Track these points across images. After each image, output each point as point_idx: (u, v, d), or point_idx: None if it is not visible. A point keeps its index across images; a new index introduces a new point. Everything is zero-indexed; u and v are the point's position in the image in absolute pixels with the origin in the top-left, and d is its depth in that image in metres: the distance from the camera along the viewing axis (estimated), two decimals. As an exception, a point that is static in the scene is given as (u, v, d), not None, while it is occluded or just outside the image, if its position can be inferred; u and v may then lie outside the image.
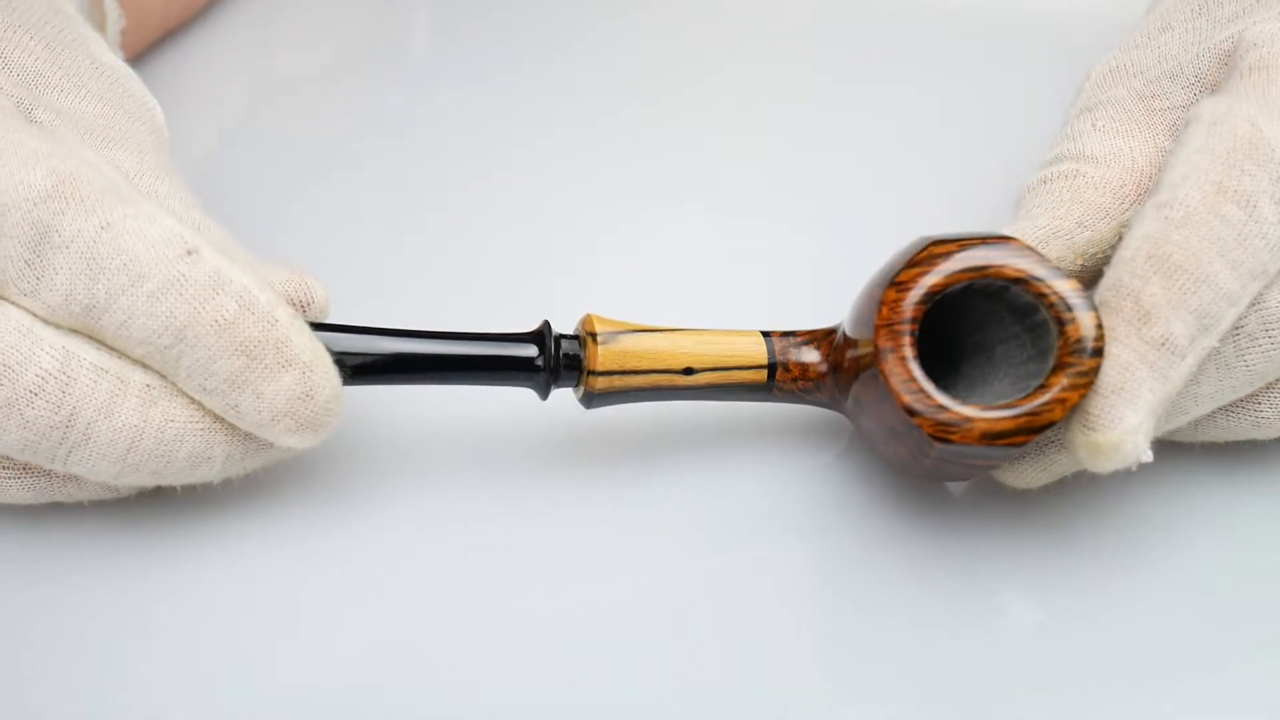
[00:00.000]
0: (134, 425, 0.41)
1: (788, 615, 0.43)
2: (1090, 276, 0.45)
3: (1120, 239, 0.44)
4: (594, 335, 0.43)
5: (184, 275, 0.40)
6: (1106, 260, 0.44)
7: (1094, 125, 0.46)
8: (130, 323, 0.40)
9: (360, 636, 0.42)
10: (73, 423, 0.40)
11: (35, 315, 0.41)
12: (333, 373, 0.41)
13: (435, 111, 0.57)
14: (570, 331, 0.45)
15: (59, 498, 0.43)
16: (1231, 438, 0.44)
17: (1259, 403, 0.43)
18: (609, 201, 0.54)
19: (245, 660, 0.42)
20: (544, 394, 0.44)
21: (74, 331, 0.41)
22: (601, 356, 0.43)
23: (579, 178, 0.55)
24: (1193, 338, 0.40)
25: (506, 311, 0.50)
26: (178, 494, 0.44)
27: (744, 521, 0.45)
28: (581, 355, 0.43)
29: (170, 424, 0.41)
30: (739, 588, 0.43)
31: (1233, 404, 0.43)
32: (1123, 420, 0.40)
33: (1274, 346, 0.41)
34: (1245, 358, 0.41)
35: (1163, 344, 0.40)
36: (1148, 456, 0.40)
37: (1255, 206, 0.40)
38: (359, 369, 0.42)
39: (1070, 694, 0.41)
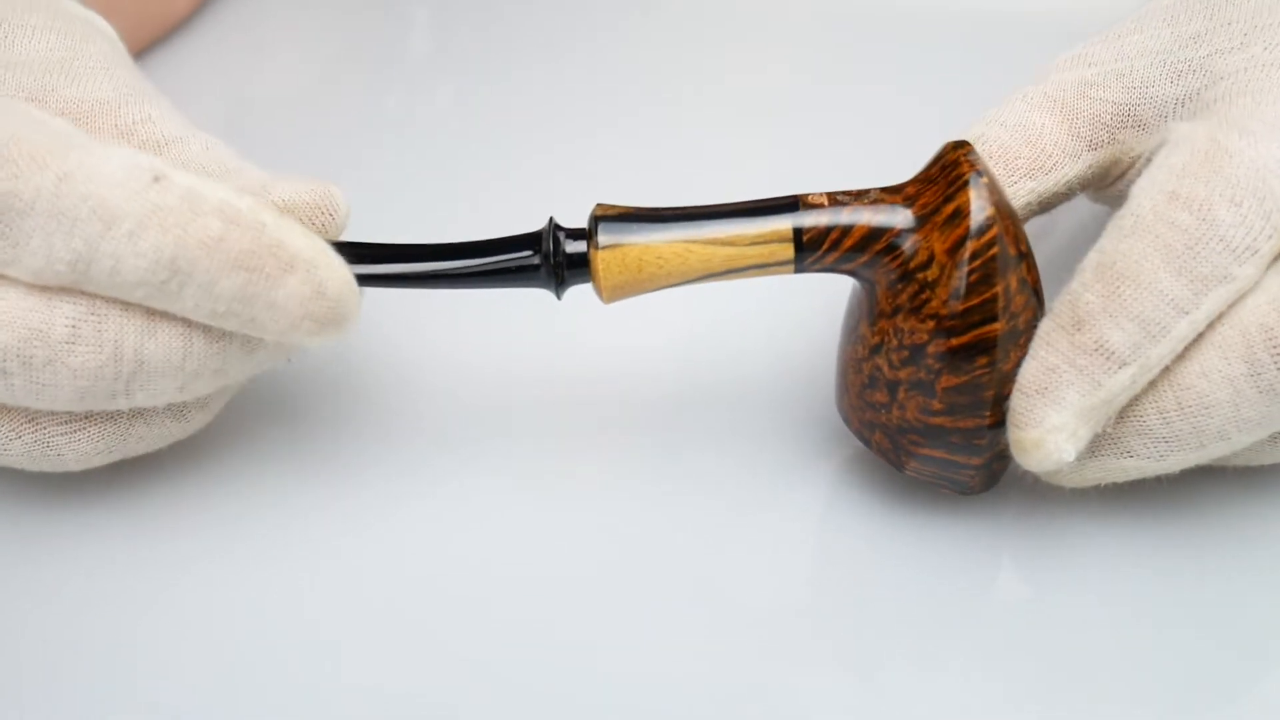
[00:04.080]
0: (181, 333, 0.40)
1: (786, 586, 0.44)
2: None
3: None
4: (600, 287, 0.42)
5: (157, 204, 0.39)
6: None
7: (1024, 97, 0.46)
8: (119, 267, 0.39)
9: (374, 610, 0.43)
10: (120, 355, 0.40)
11: (29, 284, 0.40)
12: (338, 263, 0.40)
13: (433, 113, 0.57)
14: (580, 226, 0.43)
15: (131, 445, 0.43)
16: (1266, 461, 0.43)
17: None
18: (610, 201, 0.54)
19: (254, 644, 0.42)
20: (557, 294, 0.43)
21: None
22: (606, 294, 0.42)
23: (579, 178, 0.55)
24: (1136, 345, 0.40)
25: (505, 310, 0.50)
26: (185, 472, 0.44)
27: (746, 493, 0.45)
28: (588, 255, 0.42)
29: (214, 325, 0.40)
30: (741, 558, 0.44)
31: None
32: (1044, 420, 0.40)
33: None
34: None
35: (1095, 349, 0.40)
36: (1069, 456, 0.40)
37: (1209, 211, 0.40)
38: (364, 280, 0.42)
39: (1052, 666, 0.42)
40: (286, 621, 0.42)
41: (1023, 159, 0.45)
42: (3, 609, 0.43)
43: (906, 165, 0.55)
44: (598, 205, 0.42)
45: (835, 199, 0.42)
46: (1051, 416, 0.40)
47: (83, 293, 0.40)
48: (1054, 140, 0.45)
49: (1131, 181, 0.45)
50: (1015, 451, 0.41)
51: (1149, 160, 0.44)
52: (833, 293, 0.48)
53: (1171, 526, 0.44)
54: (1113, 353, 0.40)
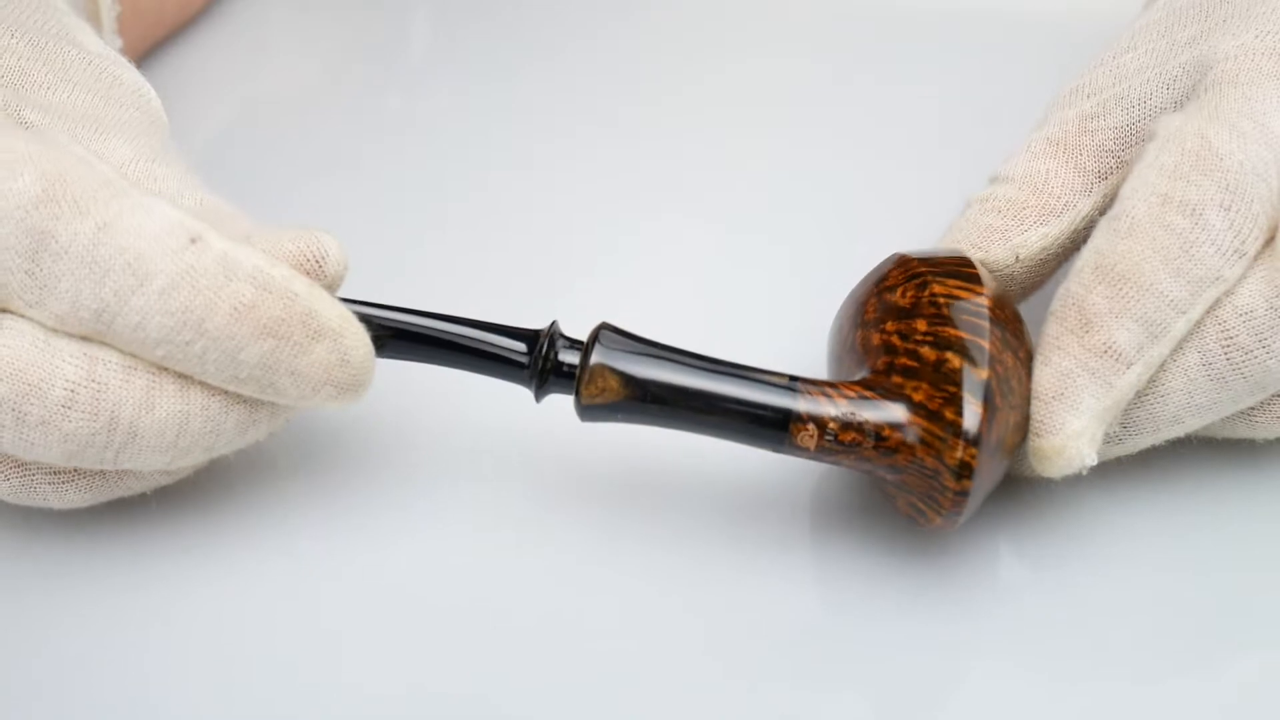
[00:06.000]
0: (179, 411, 0.40)
1: (784, 570, 0.44)
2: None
3: (1017, 259, 0.45)
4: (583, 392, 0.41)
5: (192, 266, 0.39)
6: (1014, 280, 0.45)
7: (1028, 147, 0.46)
8: (146, 323, 0.39)
9: (380, 642, 0.42)
10: (115, 426, 0.40)
11: (47, 326, 0.40)
12: (361, 332, 0.40)
13: (435, 113, 0.57)
14: (581, 336, 0.42)
15: (118, 493, 0.42)
16: (1226, 435, 0.44)
17: (1252, 408, 0.43)
18: (611, 202, 0.54)
19: (259, 669, 0.42)
20: (536, 397, 0.42)
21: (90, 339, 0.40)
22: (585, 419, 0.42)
23: (580, 179, 0.55)
24: (1140, 345, 0.41)
25: (505, 313, 0.50)
26: (191, 496, 0.44)
27: (746, 496, 0.45)
28: (577, 370, 0.41)
29: (214, 399, 0.40)
30: (742, 555, 0.44)
31: None
32: (1065, 425, 0.41)
33: (1270, 356, 0.41)
34: (1242, 370, 0.41)
35: (1105, 351, 0.41)
36: (1092, 461, 0.41)
37: (1201, 215, 0.41)
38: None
39: (1045, 648, 0.42)
40: (284, 649, 0.42)
41: (1031, 207, 0.45)
42: (6, 634, 0.43)
43: (908, 167, 0.55)
44: (581, 392, 0.41)
45: (832, 403, 0.41)
46: (1071, 422, 0.41)
47: (87, 355, 0.40)
48: (1061, 181, 0.45)
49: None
50: (1035, 459, 0.41)
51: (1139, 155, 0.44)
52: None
53: (1159, 495, 0.45)
54: (1121, 354, 0.41)
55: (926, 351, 0.40)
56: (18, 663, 0.42)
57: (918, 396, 0.40)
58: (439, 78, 0.59)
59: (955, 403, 0.40)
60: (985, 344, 0.40)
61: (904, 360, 0.41)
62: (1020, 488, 0.44)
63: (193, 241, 0.39)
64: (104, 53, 0.45)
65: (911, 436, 0.40)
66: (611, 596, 0.43)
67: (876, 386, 0.41)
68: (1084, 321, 0.41)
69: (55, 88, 0.44)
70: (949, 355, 0.40)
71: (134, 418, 0.40)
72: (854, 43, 0.60)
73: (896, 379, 0.41)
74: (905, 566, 0.43)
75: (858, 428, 0.40)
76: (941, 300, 0.41)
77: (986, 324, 0.40)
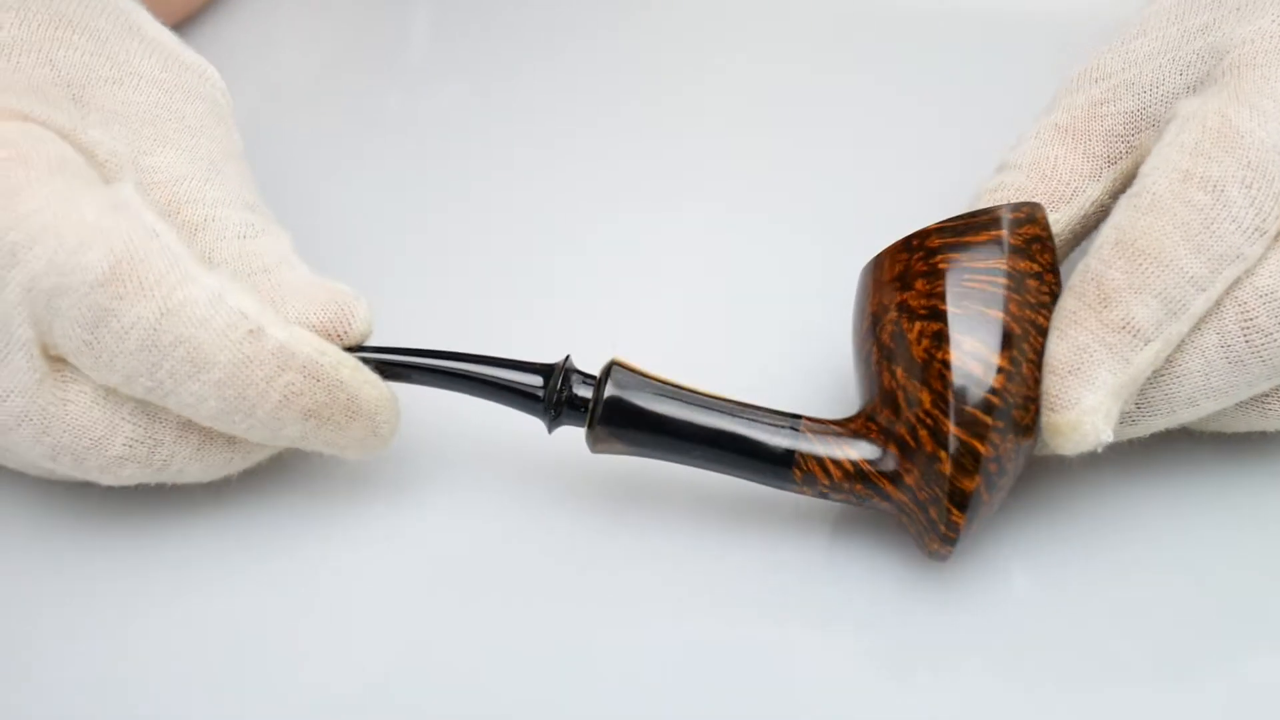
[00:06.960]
0: (225, 456, 0.42)
1: (786, 565, 0.44)
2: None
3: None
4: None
5: (249, 356, 0.40)
6: None
7: (1037, 133, 0.47)
8: (198, 405, 0.40)
9: (373, 641, 0.42)
10: (164, 471, 0.42)
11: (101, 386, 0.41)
12: (395, 406, 0.42)
13: (436, 112, 0.57)
14: (593, 371, 0.43)
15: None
16: (1238, 428, 0.44)
17: (1267, 395, 0.43)
18: (611, 200, 0.54)
19: (251, 665, 0.42)
20: (549, 429, 0.43)
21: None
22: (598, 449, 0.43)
23: (581, 177, 0.55)
24: (1159, 322, 0.41)
25: (504, 312, 0.50)
26: (194, 494, 0.44)
27: (749, 491, 0.45)
28: (589, 404, 0.42)
29: (255, 447, 0.43)
30: (744, 552, 0.44)
31: None
32: (1080, 400, 0.40)
33: None
34: (1261, 353, 0.41)
35: (1123, 327, 0.40)
36: (1108, 437, 0.40)
37: (1222, 191, 0.41)
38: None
39: (1061, 657, 0.42)
40: (280, 650, 0.42)
41: (1040, 195, 0.45)
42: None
43: (909, 167, 0.55)
44: (590, 441, 0.43)
45: (829, 468, 0.42)
46: (1087, 397, 0.40)
47: (146, 413, 0.41)
48: (1069, 168, 0.46)
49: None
50: (1050, 435, 0.41)
51: (1158, 137, 0.44)
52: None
53: (1165, 496, 0.45)
54: (1139, 330, 0.40)
55: (924, 437, 0.41)
56: (12, 656, 0.42)
57: (909, 479, 0.41)
58: (440, 77, 0.59)
59: (938, 505, 0.40)
60: (981, 449, 0.40)
61: (902, 431, 0.41)
62: (1024, 488, 0.44)
63: (251, 333, 0.40)
64: (163, 39, 0.46)
65: (900, 509, 0.42)
66: (614, 587, 0.43)
67: (874, 447, 0.41)
68: (1102, 297, 0.41)
69: (121, 83, 0.44)
70: (942, 456, 0.40)
71: (183, 466, 0.42)
72: (854, 43, 0.60)
73: (894, 448, 0.41)
74: (905, 566, 0.43)
75: (850, 491, 0.42)
76: (950, 377, 0.41)
77: (988, 420, 0.40)
